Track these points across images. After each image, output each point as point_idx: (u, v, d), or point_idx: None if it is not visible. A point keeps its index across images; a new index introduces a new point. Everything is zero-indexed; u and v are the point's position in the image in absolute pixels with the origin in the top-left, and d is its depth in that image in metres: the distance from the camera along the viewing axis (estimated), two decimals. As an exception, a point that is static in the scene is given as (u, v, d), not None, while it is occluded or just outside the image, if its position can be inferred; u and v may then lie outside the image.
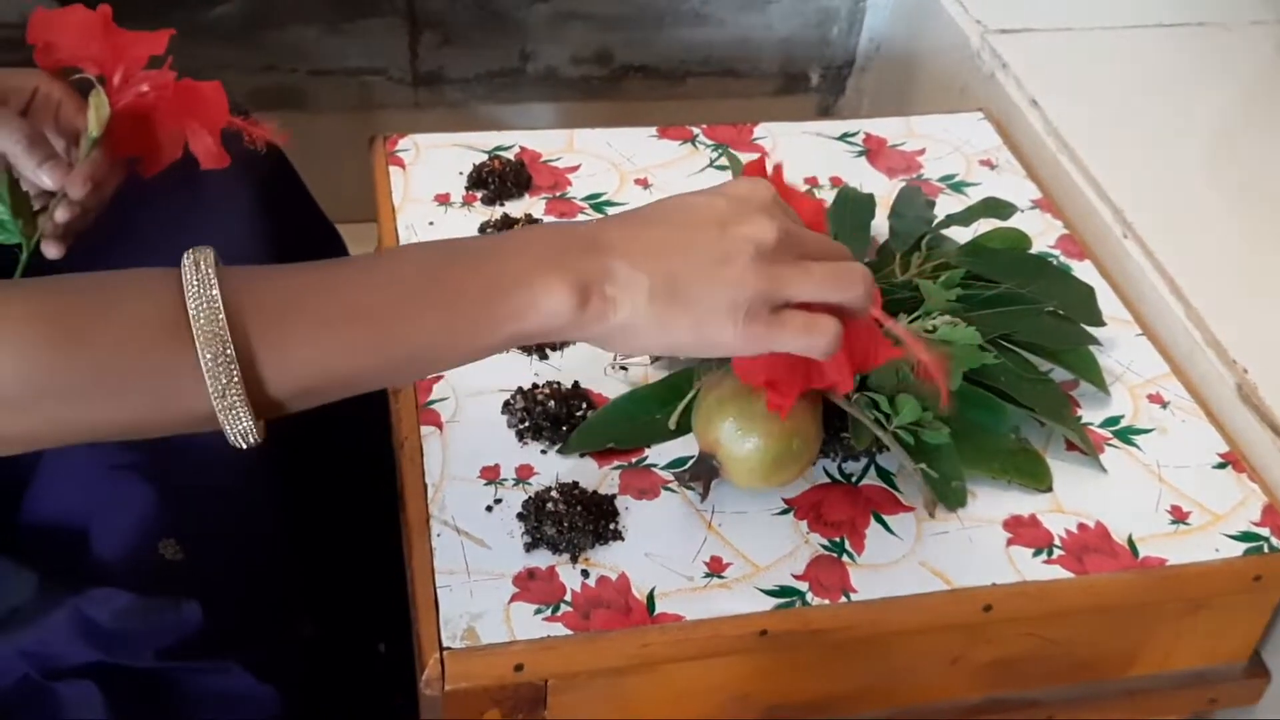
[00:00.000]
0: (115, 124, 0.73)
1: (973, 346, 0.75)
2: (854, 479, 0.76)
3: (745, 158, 0.94)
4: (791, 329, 0.58)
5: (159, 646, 0.65)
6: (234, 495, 0.74)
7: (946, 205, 0.95)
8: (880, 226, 0.90)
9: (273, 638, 0.73)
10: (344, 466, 0.92)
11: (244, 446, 0.54)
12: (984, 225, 0.90)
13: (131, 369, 0.52)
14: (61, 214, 0.72)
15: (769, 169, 0.71)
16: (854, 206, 0.90)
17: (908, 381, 0.72)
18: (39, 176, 0.71)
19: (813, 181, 0.98)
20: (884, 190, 0.96)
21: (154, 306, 0.52)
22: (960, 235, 0.89)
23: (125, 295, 0.53)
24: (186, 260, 0.53)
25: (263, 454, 0.65)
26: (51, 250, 0.73)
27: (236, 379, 0.52)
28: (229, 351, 0.52)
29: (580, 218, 0.92)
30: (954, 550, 0.72)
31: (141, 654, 0.65)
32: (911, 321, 0.74)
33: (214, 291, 0.52)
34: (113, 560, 0.67)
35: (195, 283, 0.52)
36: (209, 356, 0.51)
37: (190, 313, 0.52)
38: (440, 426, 0.76)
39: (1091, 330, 0.84)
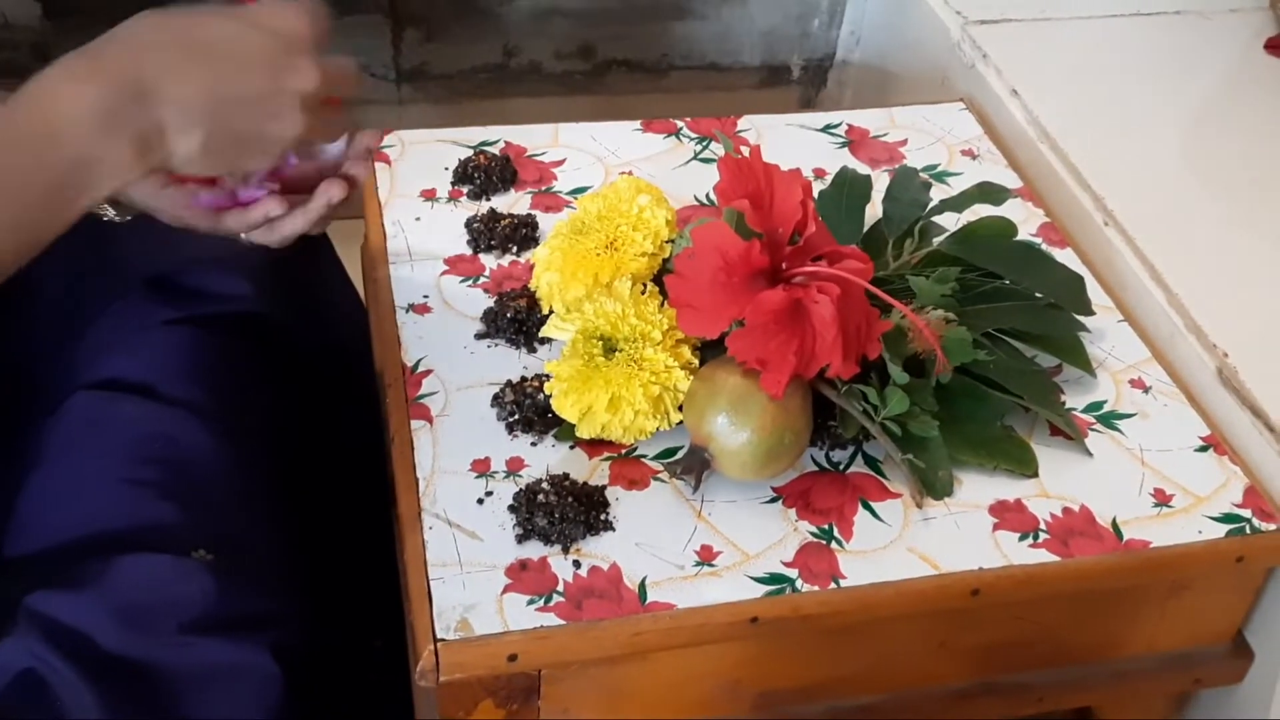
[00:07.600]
0: None
1: (965, 342, 0.75)
2: (841, 467, 0.77)
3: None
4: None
5: (182, 620, 0.65)
6: (247, 500, 0.74)
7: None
8: (873, 210, 0.90)
9: (274, 632, 0.73)
10: (337, 463, 0.92)
11: None
12: (970, 214, 0.91)
13: None
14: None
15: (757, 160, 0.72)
16: (851, 187, 0.90)
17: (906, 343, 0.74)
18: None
19: (796, 174, 0.98)
20: (867, 181, 0.97)
21: None
22: (949, 220, 0.90)
23: None
24: None
25: (263, 454, 0.64)
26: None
27: None
28: None
29: (565, 212, 0.92)
30: (941, 536, 0.73)
31: (166, 627, 0.65)
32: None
33: None
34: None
35: None
36: None
37: None
38: (430, 420, 0.77)
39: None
